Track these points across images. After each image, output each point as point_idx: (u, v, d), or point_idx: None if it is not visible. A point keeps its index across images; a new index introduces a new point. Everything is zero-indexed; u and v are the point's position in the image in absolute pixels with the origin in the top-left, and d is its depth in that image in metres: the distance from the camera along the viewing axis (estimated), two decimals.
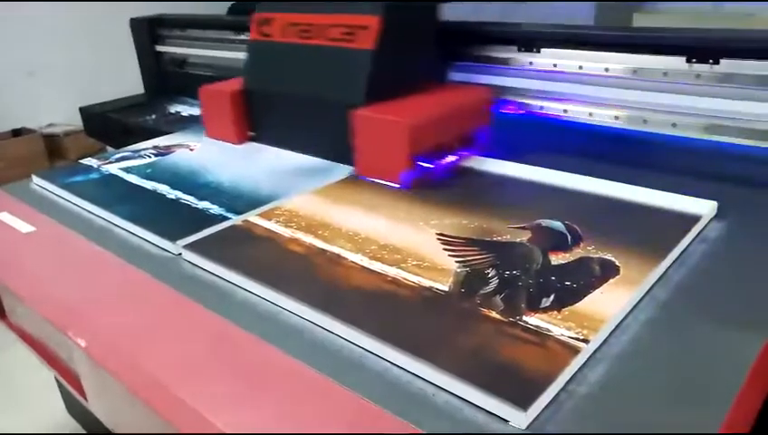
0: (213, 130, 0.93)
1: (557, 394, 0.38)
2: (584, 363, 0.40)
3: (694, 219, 0.57)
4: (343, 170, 0.76)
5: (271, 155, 0.85)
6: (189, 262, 0.58)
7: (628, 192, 0.63)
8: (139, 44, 1.38)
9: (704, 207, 0.59)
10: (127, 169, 0.82)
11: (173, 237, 0.61)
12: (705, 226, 0.58)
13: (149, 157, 0.87)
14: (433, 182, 0.70)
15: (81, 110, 1.35)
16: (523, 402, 0.36)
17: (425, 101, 0.76)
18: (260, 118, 0.89)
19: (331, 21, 0.79)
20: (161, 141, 0.95)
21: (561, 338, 0.42)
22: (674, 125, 0.70)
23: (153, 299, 0.54)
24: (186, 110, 1.26)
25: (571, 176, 0.68)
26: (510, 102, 0.85)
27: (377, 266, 0.53)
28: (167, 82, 1.37)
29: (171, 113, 1.25)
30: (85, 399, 0.57)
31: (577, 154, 0.74)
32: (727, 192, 0.63)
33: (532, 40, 0.80)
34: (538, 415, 0.36)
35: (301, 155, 0.84)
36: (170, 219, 0.66)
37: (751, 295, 0.47)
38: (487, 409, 0.37)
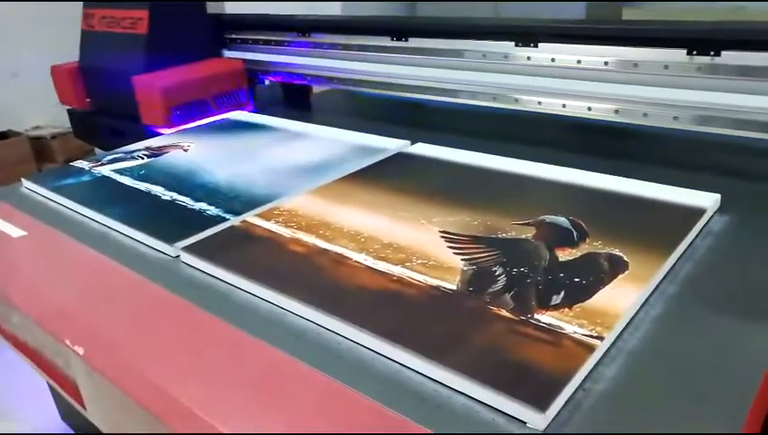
0: (62, 97, 1.27)
1: (574, 393, 0.37)
2: (599, 361, 0.40)
3: (698, 213, 0.57)
4: (339, 170, 0.75)
5: (267, 154, 0.84)
6: (188, 264, 0.57)
7: (630, 186, 0.63)
8: None
9: (707, 201, 0.59)
10: (119, 171, 0.81)
11: (170, 240, 0.59)
12: (710, 219, 0.58)
13: (142, 158, 0.86)
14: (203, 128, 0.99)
15: (69, 111, 1.33)
16: (540, 403, 0.35)
17: (185, 70, 1.08)
18: (91, 88, 1.23)
19: (122, 15, 1.13)
20: (154, 142, 0.93)
21: (575, 336, 0.41)
22: (675, 118, 0.69)
23: (152, 303, 0.52)
24: None
25: (570, 170, 0.68)
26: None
27: (381, 266, 0.52)
28: None
29: None
30: (83, 407, 0.56)
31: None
32: (729, 185, 0.62)
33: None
34: (556, 415, 0.36)
35: (297, 154, 0.83)
36: (167, 221, 0.65)
37: (758, 289, 0.47)
38: (504, 410, 0.36)
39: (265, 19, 1.13)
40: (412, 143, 0.83)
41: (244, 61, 1.15)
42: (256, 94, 1.17)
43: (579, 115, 0.77)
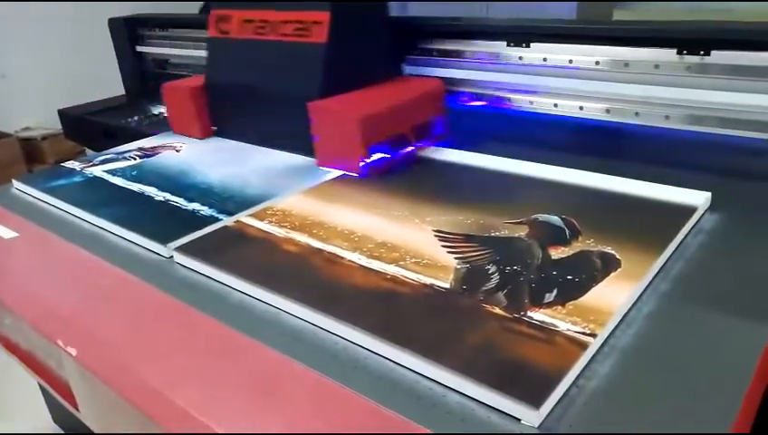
0: (178, 125, 0.97)
1: (567, 390, 0.37)
2: (592, 358, 0.40)
3: (689, 211, 0.57)
4: (332, 169, 0.75)
5: (260, 154, 0.84)
6: (182, 265, 0.57)
7: (622, 185, 0.63)
8: (118, 45, 1.35)
9: (698, 199, 0.59)
10: (112, 172, 0.80)
11: (164, 240, 0.59)
12: (701, 217, 0.58)
13: (134, 159, 0.85)
14: (393, 171, 0.73)
15: (60, 112, 1.32)
16: (534, 401, 0.35)
17: (377, 93, 0.80)
18: (221, 112, 0.92)
19: (284, 17, 0.82)
20: (146, 143, 0.93)
21: (568, 333, 0.41)
22: (666, 117, 0.70)
23: (145, 304, 0.52)
24: None
25: (562, 169, 0.68)
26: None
27: (375, 265, 0.52)
28: (148, 82, 1.34)
29: (154, 114, 1.22)
30: (76, 408, 0.56)
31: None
32: (720, 183, 0.63)
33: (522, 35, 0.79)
34: (550, 412, 0.36)
35: (289, 154, 0.83)
36: (160, 222, 0.64)
37: (749, 286, 0.47)
38: (499, 408, 0.36)
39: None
40: None
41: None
42: None
43: (570, 115, 0.78)
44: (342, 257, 0.54)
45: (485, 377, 0.37)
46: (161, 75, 1.33)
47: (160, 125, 1.12)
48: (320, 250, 0.55)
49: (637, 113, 0.72)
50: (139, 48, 1.35)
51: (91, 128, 1.23)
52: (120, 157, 0.87)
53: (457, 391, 0.38)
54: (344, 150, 0.72)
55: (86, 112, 1.28)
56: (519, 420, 0.36)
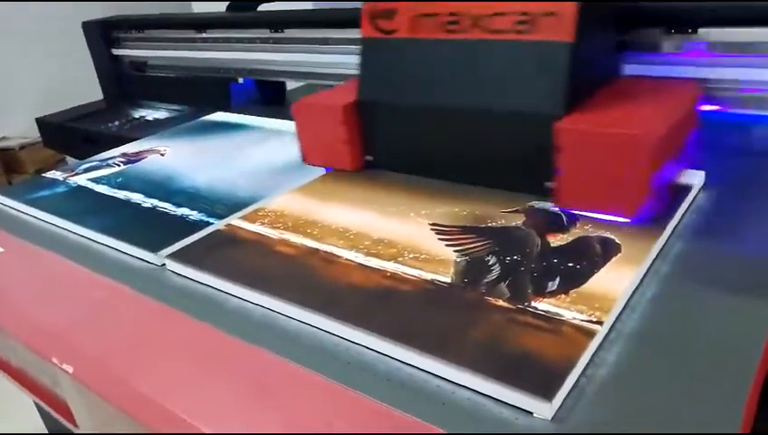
0: (315, 154, 0.73)
1: (577, 380, 0.37)
2: (599, 345, 0.40)
3: (685, 190, 0.57)
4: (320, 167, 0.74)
5: (247, 154, 0.82)
6: (175, 272, 0.56)
7: None
8: (94, 49, 1.33)
9: (693, 178, 0.59)
10: (96, 180, 0.79)
11: (155, 248, 0.58)
12: (696, 196, 0.58)
13: (118, 165, 0.84)
14: (660, 211, 0.53)
15: (38, 121, 1.30)
16: (546, 393, 0.35)
17: (642, 105, 0.58)
18: (383, 138, 0.69)
19: (496, 8, 0.59)
20: (129, 148, 0.91)
21: (574, 322, 0.41)
22: None
23: (140, 315, 0.51)
24: (150, 114, 1.21)
25: None
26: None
27: (374, 262, 0.51)
28: (127, 86, 1.32)
29: (135, 118, 1.20)
30: (75, 425, 0.54)
31: None
32: (712, 161, 0.63)
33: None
34: (562, 403, 0.35)
35: (278, 153, 0.82)
36: (149, 229, 0.63)
37: (748, 263, 0.47)
38: (509, 402, 0.36)
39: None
40: None
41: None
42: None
43: None
44: (339, 256, 0.53)
45: (495, 371, 0.37)
46: (140, 78, 1.30)
47: (142, 129, 1.10)
48: (315, 250, 0.54)
49: None
50: (115, 51, 1.32)
51: (71, 135, 1.21)
52: (104, 164, 0.85)
53: (467, 387, 0.37)
54: (614, 188, 0.52)
55: (65, 119, 1.25)
56: (531, 413, 0.35)
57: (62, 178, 0.81)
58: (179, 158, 0.84)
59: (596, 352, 0.39)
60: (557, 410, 0.35)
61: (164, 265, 0.57)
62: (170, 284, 0.55)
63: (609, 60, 0.67)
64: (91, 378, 0.45)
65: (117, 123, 1.18)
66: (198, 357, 0.45)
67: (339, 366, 0.41)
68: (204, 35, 1.15)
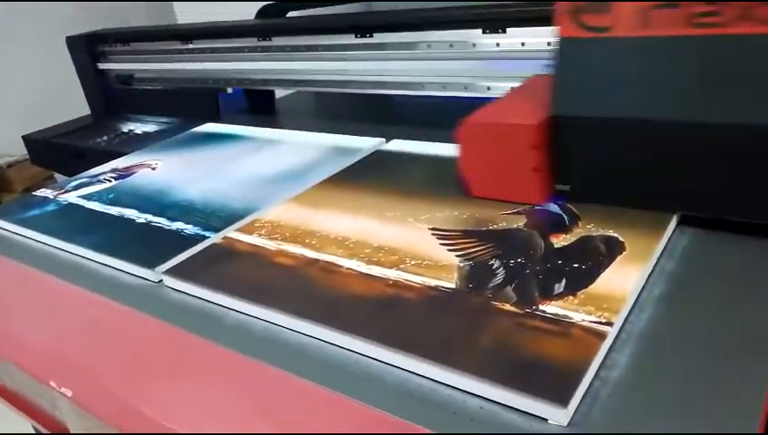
0: (488, 184, 0.59)
1: (591, 383, 0.36)
2: (610, 347, 0.39)
3: None
4: (316, 174, 0.73)
5: (240, 165, 0.81)
6: (172, 288, 0.55)
7: None
8: (78, 64, 1.31)
9: None
10: (87, 197, 0.77)
11: (151, 264, 0.57)
12: None
13: (109, 181, 0.82)
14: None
15: (25, 138, 1.28)
16: (561, 398, 0.34)
17: None
18: (586, 163, 0.55)
19: None
20: (120, 163, 0.90)
21: (584, 324, 0.40)
22: None
23: (138, 333, 0.50)
24: (139, 127, 1.20)
25: None
26: None
27: (375, 271, 0.50)
28: (114, 100, 1.30)
29: (124, 132, 1.19)
30: None
31: None
32: None
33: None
34: (577, 408, 0.35)
35: (271, 162, 0.81)
36: (144, 245, 0.62)
37: (755, 256, 0.46)
38: (523, 409, 0.35)
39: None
40: (387, 141, 0.81)
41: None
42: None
43: None
44: (340, 266, 0.52)
45: (506, 378, 0.36)
46: (127, 91, 1.29)
47: (131, 143, 1.09)
48: (315, 260, 0.53)
49: None
50: (101, 65, 1.31)
51: (59, 151, 1.19)
52: (95, 180, 0.84)
53: (478, 396, 0.37)
54: None
55: (52, 135, 1.24)
56: (546, 419, 0.34)
57: (52, 197, 0.79)
58: (171, 171, 0.83)
59: (607, 353, 0.38)
60: (573, 416, 0.34)
61: (161, 281, 0.56)
62: (169, 300, 0.53)
63: None
64: (90, 401, 0.44)
65: (105, 138, 1.17)
66: (200, 375, 0.44)
67: (346, 378, 0.40)
68: (190, 46, 1.14)
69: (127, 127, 1.22)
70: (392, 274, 0.49)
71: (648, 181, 0.52)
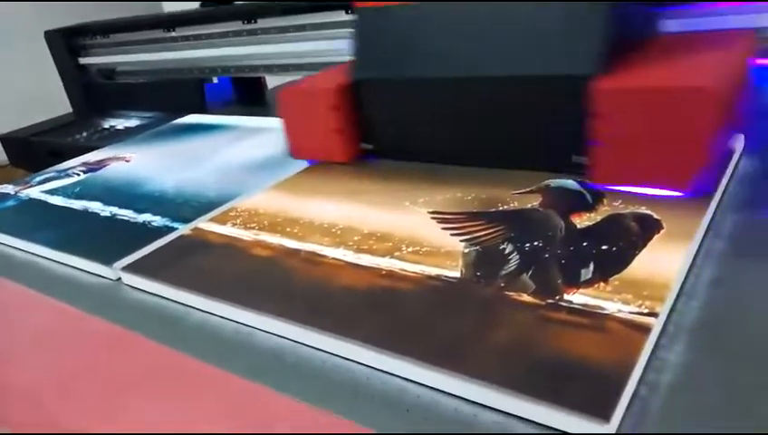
0: (304, 148, 0.64)
1: (636, 389, 0.28)
2: (657, 343, 0.31)
3: (727, 155, 0.49)
4: (302, 161, 0.65)
5: (221, 154, 0.74)
6: (131, 286, 0.47)
7: None
8: (58, 59, 1.24)
9: (733, 141, 0.51)
10: (51, 191, 0.70)
11: (108, 260, 0.49)
12: (738, 161, 0.50)
13: (78, 174, 0.75)
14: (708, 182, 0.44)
15: (2, 138, 1.21)
16: (601, 410, 0.26)
17: (694, 59, 0.48)
18: (384, 122, 0.60)
19: None
20: (91, 157, 0.83)
21: (620, 315, 0.32)
22: None
23: (88, 339, 0.42)
24: (121, 123, 1.13)
25: None
26: None
27: (365, 260, 0.42)
28: (96, 96, 1.23)
29: (105, 128, 1.12)
30: None
31: None
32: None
33: None
34: (621, 422, 0.27)
35: (254, 151, 0.73)
36: (105, 240, 0.54)
37: None
38: (551, 426, 0.27)
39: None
40: None
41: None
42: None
43: None
44: (324, 256, 0.44)
45: (528, 386, 0.28)
46: (109, 86, 1.22)
47: (112, 138, 1.02)
48: (296, 251, 0.46)
49: None
50: (81, 60, 1.24)
51: (35, 150, 1.12)
52: (62, 174, 0.76)
53: (493, 408, 0.29)
54: (666, 156, 0.43)
55: (29, 134, 1.17)
56: None
57: (12, 192, 0.72)
58: (146, 163, 0.76)
59: (653, 351, 0.31)
60: (617, 431, 0.26)
61: (119, 279, 0.48)
62: (126, 300, 0.46)
63: (648, 15, 0.58)
64: (21, 420, 0.36)
65: (85, 135, 1.10)
66: (158, 387, 0.36)
67: (328, 389, 0.32)
68: (173, 34, 1.07)
69: (108, 123, 1.15)
70: (385, 262, 0.42)
71: (434, 137, 0.57)
